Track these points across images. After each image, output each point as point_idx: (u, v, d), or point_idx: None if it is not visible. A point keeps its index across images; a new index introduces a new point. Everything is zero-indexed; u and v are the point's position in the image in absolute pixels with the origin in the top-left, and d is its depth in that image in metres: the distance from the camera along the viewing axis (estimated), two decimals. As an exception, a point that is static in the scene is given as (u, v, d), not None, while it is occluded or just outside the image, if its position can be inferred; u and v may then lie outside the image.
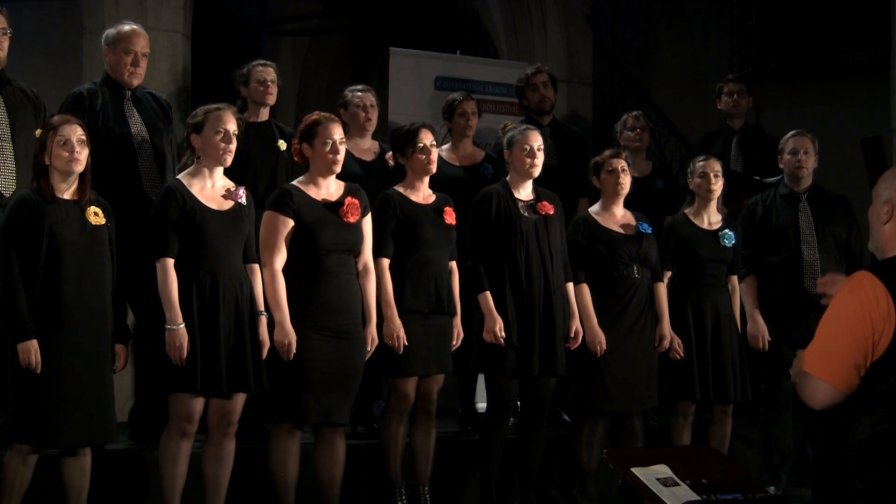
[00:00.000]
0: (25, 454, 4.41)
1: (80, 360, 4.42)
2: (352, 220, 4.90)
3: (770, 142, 6.83)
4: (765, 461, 6.31)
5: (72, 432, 4.42)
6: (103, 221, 4.54)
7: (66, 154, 4.43)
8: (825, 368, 3.07)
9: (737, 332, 5.92)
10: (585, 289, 5.58)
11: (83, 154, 4.47)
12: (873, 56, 8.62)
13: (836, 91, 9.06)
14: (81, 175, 4.50)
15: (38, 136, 4.53)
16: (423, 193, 5.31)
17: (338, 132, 4.92)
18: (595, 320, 5.53)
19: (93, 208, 4.52)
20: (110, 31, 5.46)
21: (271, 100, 5.83)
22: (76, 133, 4.47)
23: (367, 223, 5.03)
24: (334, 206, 4.90)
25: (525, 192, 5.49)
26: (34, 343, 4.32)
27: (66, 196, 4.49)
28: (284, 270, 4.79)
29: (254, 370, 4.68)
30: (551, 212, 5.47)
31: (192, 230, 4.61)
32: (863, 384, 3.06)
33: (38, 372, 4.32)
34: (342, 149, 4.93)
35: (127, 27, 5.45)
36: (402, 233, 5.18)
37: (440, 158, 5.95)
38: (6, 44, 5.13)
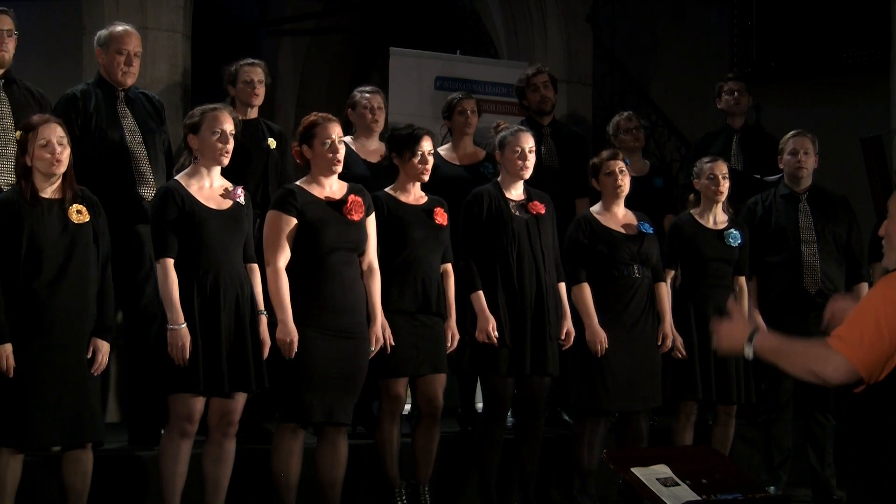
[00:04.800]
0: (12, 452, 4.37)
1: (60, 361, 4.38)
2: (355, 217, 4.90)
3: (770, 141, 6.83)
4: (765, 461, 6.31)
5: (49, 433, 4.39)
6: (87, 219, 4.51)
7: (48, 156, 4.42)
8: (855, 352, 3.05)
9: None
10: (586, 288, 5.59)
11: (64, 154, 4.46)
12: (873, 56, 8.63)
13: (836, 91, 9.07)
14: (64, 174, 4.49)
15: (17, 137, 4.52)
16: (413, 195, 5.30)
17: (335, 131, 4.91)
18: (596, 319, 5.53)
19: (76, 206, 4.50)
20: (102, 33, 5.49)
21: (257, 101, 5.80)
22: (56, 133, 4.46)
23: (371, 222, 5.02)
24: (338, 205, 4.90)
25: (516, 193, 5.50)
26: (8, 347, 4.30)
27: (49, 195, 4.48)
28: (288, 269, 4.79)
29: (255, 370, 4.67)
30: (542, 211, 5.47)
31: (191, 230, 4.61)
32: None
33: (10, 376, 4.28)
34: (341, 148, 4.93)
35: (119, 27, 5.47)
36: (390, 233, 5.15)
37: (440, 157, 5.96)
38: (12, 45, 5.16)
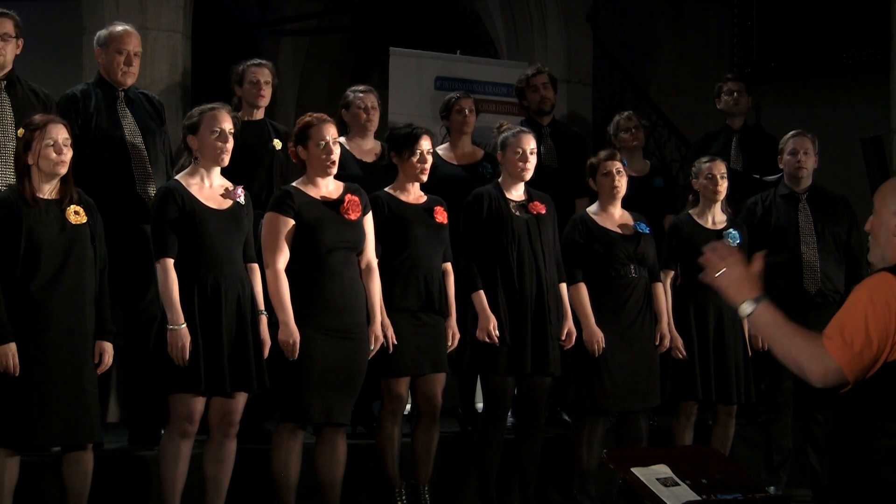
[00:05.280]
0: (10, 453, 4.37)
1: (58, 362, 4.37)
2: (353, 217, 4.91)
3: (770, 141, 6.83)
4: (765, 461, 6.31)
5: (48, 435, 4.38)
6: (84, 220, 4.50)
7: (55, 156, 4.41)
8: (846, 356, 3.03)
9: (742, 334, 5.90)
10: (583, 288, 5.59)
11: (68, 156, 4.46)
12: (873, 56, 8.63)
13: (836, 91, 9.07)
14: (64, 175, 4.48)
15: (20, 135, 4.50)
16: (413, 195, 5.31)
17: (330, 132, 4.92)
18: (593, 319, 5.54)
19: (73, 207, 4.49)
20: (102, 33, 5.49)
21: (263, 101, 5.79)
22: (62, 134, 4.46)
23: (369, 221, 5.03)
24: (334, 205, 4.90)
25: (517, 193, 5.51)
26: (12, 346, 4.29)
27: (47, 196, 4.47)
28: (288, 271, 4.79)
29: (255, 370, 4.68)
30: (543, 211, 5.48)
31: (192, 230, 4.61)
32: (884, 386, 3.05)
33: (16, 375, 4.28)
34: (336, 149, 4.93)
35: (119, 27, 5.47)
36: (391, 232, 5.17)
37: (439, 157, 5.96)
38: (10, 49, 5.14)
